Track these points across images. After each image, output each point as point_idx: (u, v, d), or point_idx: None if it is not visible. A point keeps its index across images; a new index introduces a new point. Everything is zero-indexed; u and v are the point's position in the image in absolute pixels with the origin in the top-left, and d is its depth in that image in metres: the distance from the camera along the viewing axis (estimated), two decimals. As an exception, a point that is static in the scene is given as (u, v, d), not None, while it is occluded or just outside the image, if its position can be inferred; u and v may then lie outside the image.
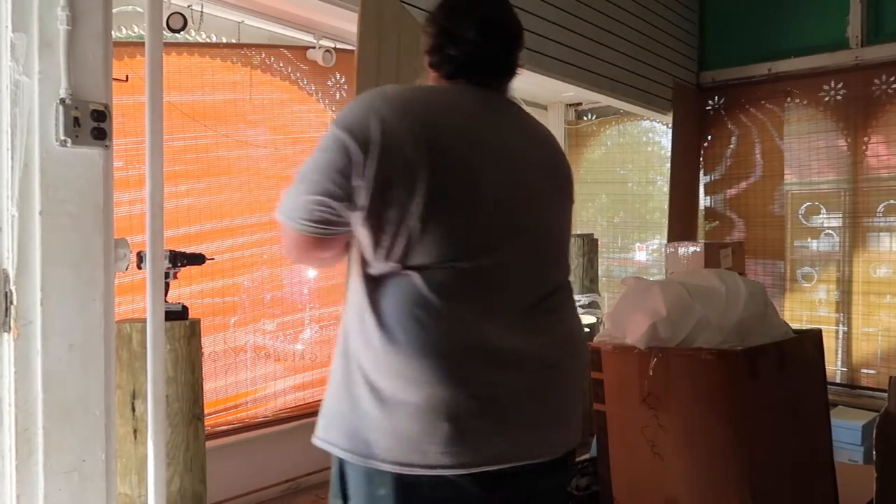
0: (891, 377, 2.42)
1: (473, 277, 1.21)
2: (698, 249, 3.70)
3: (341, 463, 1.29)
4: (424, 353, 1.17)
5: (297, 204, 1.23)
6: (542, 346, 1.28)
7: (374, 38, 2.17)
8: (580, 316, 1.45)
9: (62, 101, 1.32)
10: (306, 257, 1.34)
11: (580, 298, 4.26)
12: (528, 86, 4.24)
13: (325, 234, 1.24)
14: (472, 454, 1.18)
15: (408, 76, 2.32)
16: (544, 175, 1.36)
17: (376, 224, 1.18)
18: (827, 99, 4.76)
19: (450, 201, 1.20)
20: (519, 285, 1.27)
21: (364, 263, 1.24)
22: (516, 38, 1.39)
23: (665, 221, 4.96)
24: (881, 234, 4.60)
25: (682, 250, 3.77)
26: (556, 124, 5.15)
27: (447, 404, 1.17)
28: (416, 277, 1.19)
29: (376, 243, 1.19)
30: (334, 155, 1.19)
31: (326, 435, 1.32)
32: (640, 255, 5.53)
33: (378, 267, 1.21)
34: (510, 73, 1.39)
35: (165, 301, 2.04)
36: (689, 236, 5.04)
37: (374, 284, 1.22)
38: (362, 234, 1.21)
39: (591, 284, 4.41)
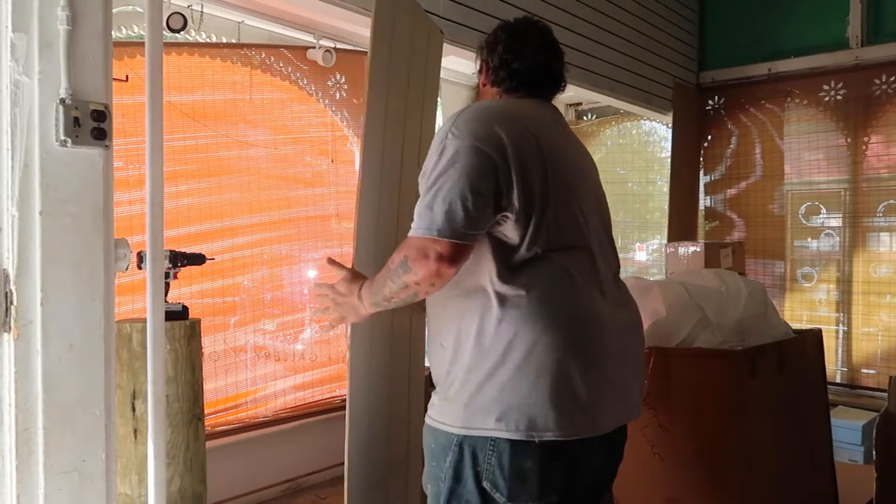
0: (891, 377, 2.42)
1: (587, 257, 1.45)
2: (698, 249, 3.70)
3: (473, 443, 1.36)
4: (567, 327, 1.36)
5: (445, 214, 1.32)
6: (626, 315, 1.53)
7: (387, 39, 2.12)
8: None
9: (62, 101, 1.32)
10: (441, 275, 1.35)
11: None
12: (528, 86, 4.23)
13: (472, 241, 1.35)
14: (591, 422, 1.38)
15: (418, 78, 2.31)
16: (593, 176, 1.61)
17: (521, 220, 1.36)
18: (827, 99, 4.76)
19: (563, 196, 1.42)
20: (604, 265, 1.50)
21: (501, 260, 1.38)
22: (563, 56, 1.64)
23: (665, 221, 4.96)
24: (881, 233, 4.60)
25: (682, 250, 3.77)
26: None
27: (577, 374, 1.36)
28: (557, 259, 1.39)
29: (522, 236, 1.36)
30: (473, 160, 1.34)
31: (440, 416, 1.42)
32: (640, 255, 5.53)
33: (521, 255, 1.38)
34: (561, 86, 1.63)
35: (165, 301, 2.04)
36: (689, 236, 5.04)
37: (515, 275, 1.37)
38: (509, 230, 1.37)
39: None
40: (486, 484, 1.34)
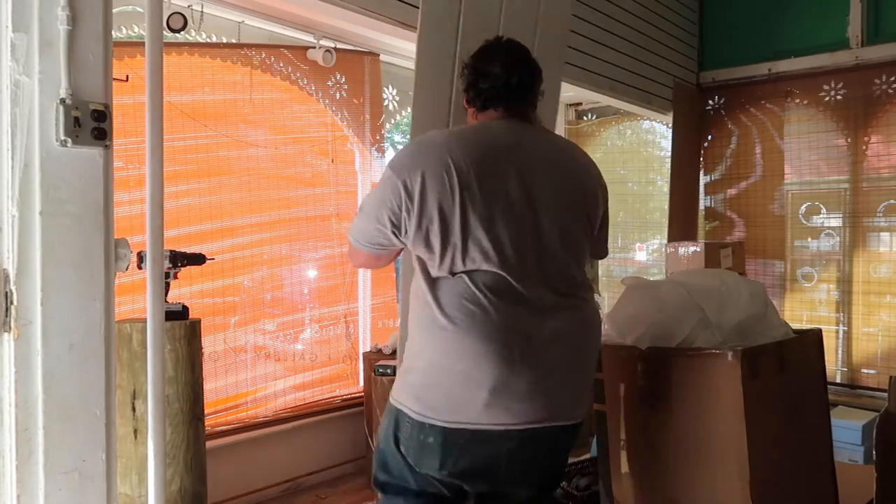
0: (891, 377, 2.42)
1: (500, 279, 1.56)
2: (698, 249, 3.70)
3: (398, 414, 1.63)
4: (472, 336, 1.54)
5: (357, 228, 1.71)
6: (558, 324, 1.60)
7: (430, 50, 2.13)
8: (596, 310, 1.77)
9: (62, 101, 1.32)
10: (355, 266, 1.89)
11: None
12: (528, 86, 4.23)
13: (374, 250, 1.73)
14: (504, 416, 1.54)
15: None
16: (558, 191, 1.65)
17: (426, 244, 1.59)
18: (827, 99, 4.76)
19: (478, 224, 1.56)
20: (535, 277, 1.59)
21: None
22: (534, 74, 1.73)
23: (665, 221, 4.96)
24: (881, 233, 4.60)
25: (682, 250, 3.77)
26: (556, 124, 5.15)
27: (487, 376, 1.52)
28: (464, 278, 1.57)
29: (432, 257, 1.60)
30: (385, 191, 1.62)
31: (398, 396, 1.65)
32: (640, 255, 5.53)
33: (435, 272, 1.60)
34: (527, 100, 1.73)
35: (166, 301, 2.04)
36: (690, 236, 5.04)
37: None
38: (420, 251, 1.62)
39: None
40: (402, 449, 1.62)
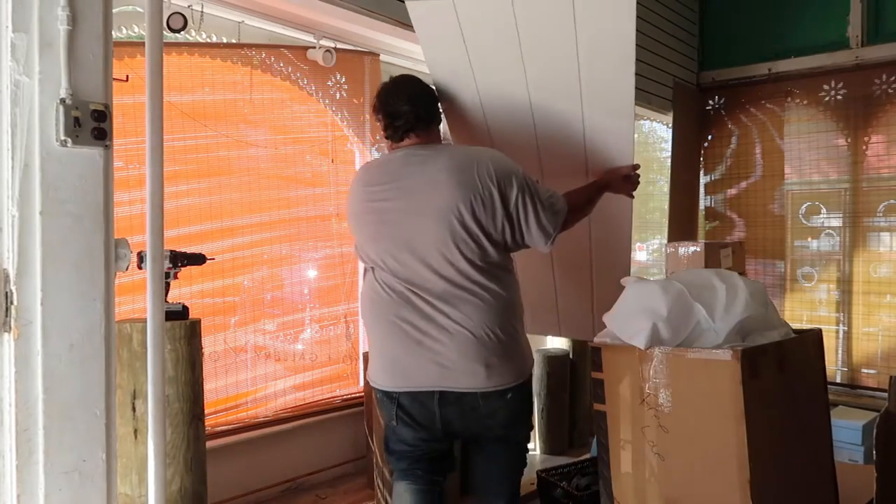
0: (891, 377, 2.42)
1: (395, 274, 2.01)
2: (698, 249, 3.70)
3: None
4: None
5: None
6: (430, 315, 1.96)
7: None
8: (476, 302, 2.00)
9: (62, 101, 1.32)
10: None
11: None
12: (528, 86, 4.23)
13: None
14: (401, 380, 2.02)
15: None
16: (430, 204, 1.96)
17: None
18: (827, 99, 4.76)
19: (370, 236, 2.10)
20: (410, 274, 1.99)
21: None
22: (415, 96, 2.10)
23: (665, 221, 4.96)
24: (881, 233, 4.60)
25: (682, 250, 3.77)
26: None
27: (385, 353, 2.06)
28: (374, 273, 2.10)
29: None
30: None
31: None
32: (640, 255, 5.53)
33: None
34: (410, 125, 2.08)
35: (166, 301, 2.04)
36: (690, 236, 5.05)
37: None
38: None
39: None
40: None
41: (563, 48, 2.19)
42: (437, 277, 1.95)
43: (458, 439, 2.27)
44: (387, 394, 2.05)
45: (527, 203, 1.99)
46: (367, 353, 2.57)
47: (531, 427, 2.29)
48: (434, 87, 2.23)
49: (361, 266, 2.32)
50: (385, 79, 3.54)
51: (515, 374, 2.02)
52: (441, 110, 2.25)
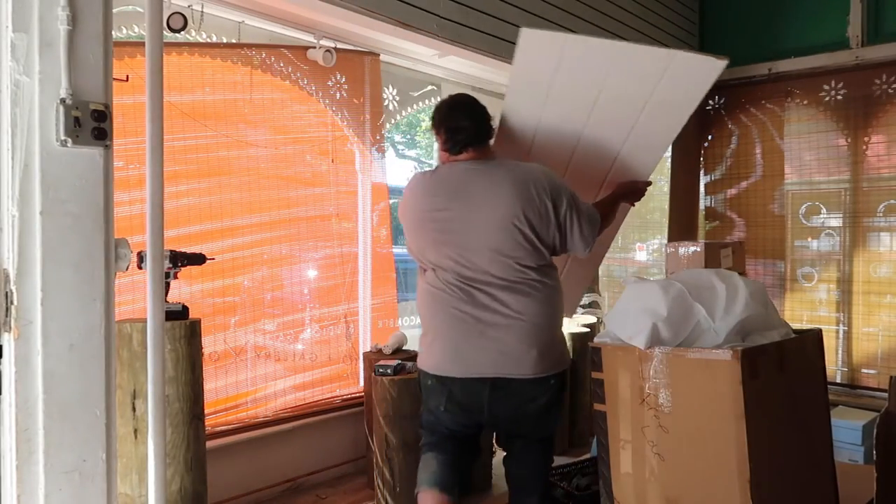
0: (891, 377, 2.42)
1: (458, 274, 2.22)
2: (698, 249, 3.70)
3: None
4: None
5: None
6: (492, 308, 2.18)
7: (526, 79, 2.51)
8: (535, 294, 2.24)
9: (62, 101, 1.32)
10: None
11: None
12: (528, 86, 4.23)
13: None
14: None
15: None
16: (493, 211, 2.18)
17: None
18: (827, 99, 4.76)
19: (432, 240, 2.27)
20: (478, 276, 2.20)
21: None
22: (473, 113, 2.32)
23: (665, 221, 4.96)
24: (881, 233, 4.60)
25: (682, 250, 3.77)
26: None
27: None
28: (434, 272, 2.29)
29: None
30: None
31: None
32: (641, 255, 5.53)
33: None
34: (482, 140, 2.32)
35: (166, 301, 2.04)
36: (690, 236, 5.05)
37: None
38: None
39: (591, 284, 4.41)
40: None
41: (634, 103, 2.50)
42: (496, 277, 2.19)
43: (494, 430, 2.48)
44: (441, 380, 2.21)
45: (573, 216, 2.26)
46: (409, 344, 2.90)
47: (560, 421, 2.46)
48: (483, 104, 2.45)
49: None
50: (384, 78, 3.54)
51: (558, 363, 2.27)
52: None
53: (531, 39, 2.44)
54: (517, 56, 2.47)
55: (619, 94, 2.48)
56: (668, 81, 2.44)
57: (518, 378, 2.18)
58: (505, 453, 2.39)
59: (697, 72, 2.48)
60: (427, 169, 2.44)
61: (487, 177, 2.23)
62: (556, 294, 2.28)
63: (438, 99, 4.11)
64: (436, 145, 2.54)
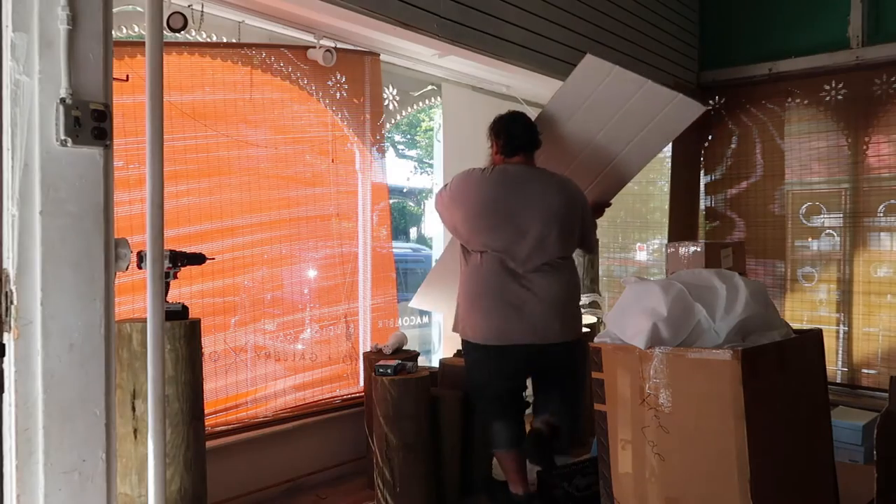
0: (892, 377, 2.42)
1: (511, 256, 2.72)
2: (698, 249, 3.69)
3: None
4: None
5: None
6: (528, 287, 2.71)
7: (574, 94, 3.11)
8: (570, 273, 2.87)
9: (62, 100, 1.32)
10: None
11: (581, 298, 4.28)
12: (528, 86, 4.24)
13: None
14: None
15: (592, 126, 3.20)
16: (543, 208, 2.73)
17: (462, 237, 2.90)
18: (828, 99, 4.76)
19: (491, 225, 2.76)
20: (530, 255, 2.72)
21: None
22: (533, 127, 2.88)
23: (665, 221, 4.96)
24: (882, 233, 4.60)
25: (682, 250, 3.77)
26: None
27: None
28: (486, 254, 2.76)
29: (468, 241, 2.86)
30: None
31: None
32: (641, 255, 5.53)
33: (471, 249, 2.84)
34: (534, 149, 2.87)
35: (165, 301, 2.04)
36: (690, 236, 5.05)
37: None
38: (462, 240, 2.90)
39: (592, 284, 4.41)
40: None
41: (638, 126, 3.19)
42: (538, 262, 2.72)
43: (533, 377, 2.98)
44: (495, 348, 2.71)
45: (589, 223, 2.96)
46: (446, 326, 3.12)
47: (586, 376, 2.75)
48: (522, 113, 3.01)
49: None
50: (384, 78, 3.55)
51: (578, 332, 2.88)
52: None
53: (590, 63, 3.07)
54: (574, 73, 3.09)
55: (630, 117, 3.12)
56: (666, 115, 3.16)
57: (551, 343, 2.72)
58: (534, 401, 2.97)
59: (686, 111, 3.22)
60: (478, 167, 2.84)
61: (538, 179, 2.79)
62: (575, 277, 2.89)
63: (438, 99, 4.12)
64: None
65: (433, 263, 3.94)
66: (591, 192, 3.27)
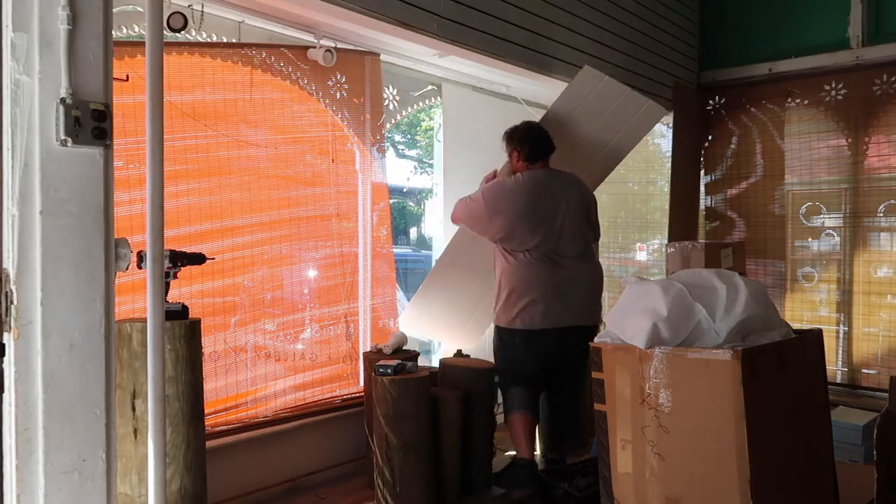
0: (892, 377, 2.42)
1: (544, 252, 3.13)
2: (698, 249, 3.70)
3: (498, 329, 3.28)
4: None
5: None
6: (572, 274, 3.15)
7: (573, 101, 3.57)
8: (595, 262, 3.42)
9: (63, 100, 1.32)
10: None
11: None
12: (529, 86, 4.24)
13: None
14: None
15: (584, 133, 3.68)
16: (568, 205, 3.18)
17: (503, 240, 3.22)
18: (828, 99, 4.76)
19: (529, 226, 3.14)
20: (565, 250, 3.16)
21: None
22: (548, 135, 3.29)
23: (666, 221, 4.96)
24: (882, 233, 4.60)
25: (682, 250, 3.77)
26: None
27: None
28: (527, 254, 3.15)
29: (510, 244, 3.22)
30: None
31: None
32: (641, 255, 5.53)
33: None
34: (550, 153, 3.27)
35: (165, 301, 2.04)
36: (690, 236, 5.04)
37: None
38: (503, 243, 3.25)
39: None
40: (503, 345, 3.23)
41: (616, 128, 3.69)
42: (574, 252, 3.16)
43: (554, 366, 3.24)
44: (537, 332, 3.08)
45: (596, 213, 3.39)
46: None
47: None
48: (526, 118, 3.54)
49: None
50: (384, 78, 3.55)
51: (599, 316, 3.30)
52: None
53: (587, 73, 3.51)
54: (573, 83, 3.56)
55: (611, 120, 3.61)
56: (638, 118, 3.68)
57: (584, 325, 3.12)
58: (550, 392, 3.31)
59: (654, 115, 3.74)
60: (510, 177, 3.23)
61: (562, 182, 3.22)
62: (599, 263, 3.47)
63: (438, 99, 4.11)
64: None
65: (433, 263, 3.94)
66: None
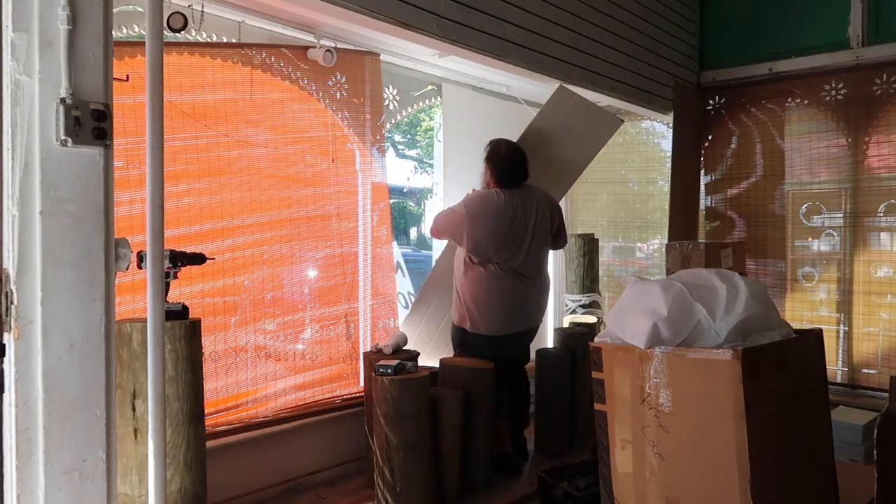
0: (892, 377, 2.42)
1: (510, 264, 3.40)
2: (698, 249, 3.69)
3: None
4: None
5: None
6: (529, 286, 3.47)
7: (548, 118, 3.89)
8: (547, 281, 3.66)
9: (63, 100, 1.32)
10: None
11: (581, 298, 4.30)
12: (528, 86, 4.24)
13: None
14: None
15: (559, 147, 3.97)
16: (537, 222, 3.45)
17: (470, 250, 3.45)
18: (828, 99, 4.76)
19: (494, 244, 3.38)
20: (523, 264, 3.43)
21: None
22: (525, 158, 3.49)
23: (666, 221, 4.96)
24: (882, 233, 4.59)
25: (682, 250, 3.77)
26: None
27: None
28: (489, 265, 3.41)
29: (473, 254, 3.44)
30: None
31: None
32: (641, 255, 5.53)
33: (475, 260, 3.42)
34: (524, 181, 3.48)
35: (166, 301, 2.04)
36: (690, 236, 5.04)
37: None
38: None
39: (592, 284, 4.41)
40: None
41: (580, 140, 3.97)
42: (534, 266, 3.48)
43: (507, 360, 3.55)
44: (503, 336, 3.43)
45: (562, 224, 3.63)
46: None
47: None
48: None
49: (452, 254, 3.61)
50: (384, 78, 3.54)
51: (541, 319, 3.67)
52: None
53: (561, 92, 3.86)
54: (549, 101, 3.86)
55: (577, 132, 3.92)
56: (600, 130, 4.04)
57: (534, 328, 3.58)
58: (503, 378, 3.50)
59: (611, 126, 4.08)
60: (487, 191, 3.44)
61: (531, 199, 3.44)
62: (547, 272, 3.67)
63: (438, 99, 4.12)
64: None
65: (433, 263, 3.94)
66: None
